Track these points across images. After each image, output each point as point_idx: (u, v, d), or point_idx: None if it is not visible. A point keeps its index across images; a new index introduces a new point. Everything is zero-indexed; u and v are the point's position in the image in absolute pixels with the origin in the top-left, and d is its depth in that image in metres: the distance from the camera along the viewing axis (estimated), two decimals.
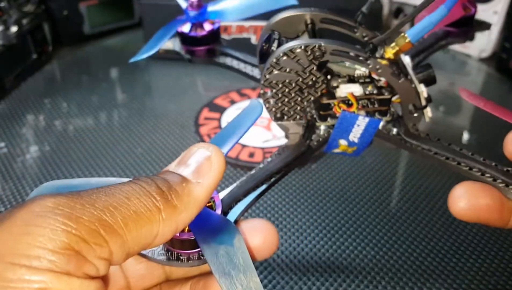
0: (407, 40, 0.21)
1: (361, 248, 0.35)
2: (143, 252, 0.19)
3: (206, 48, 0.29)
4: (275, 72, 0.21)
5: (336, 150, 0.23)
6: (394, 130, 0.23)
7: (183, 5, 0.28)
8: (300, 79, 0.21)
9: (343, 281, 0.32)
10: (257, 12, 0.28)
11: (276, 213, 0.38)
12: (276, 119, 0.23)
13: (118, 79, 0.58)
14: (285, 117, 0.23)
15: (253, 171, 0.22)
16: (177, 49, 0.29)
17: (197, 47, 0.29)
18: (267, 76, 0.21)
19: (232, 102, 0.51)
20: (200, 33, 0.28)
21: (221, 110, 0.50)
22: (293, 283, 0.32)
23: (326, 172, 0.42)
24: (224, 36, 0.58)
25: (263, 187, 0.21)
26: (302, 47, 0.20)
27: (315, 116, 0.23)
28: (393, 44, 0.21)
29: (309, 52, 0.21)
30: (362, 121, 0.21)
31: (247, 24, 0.57)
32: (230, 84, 0.55)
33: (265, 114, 0.54)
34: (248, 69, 0.28)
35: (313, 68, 0.21)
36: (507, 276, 0.32)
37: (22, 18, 0.54)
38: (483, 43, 0.59)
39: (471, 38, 0.32)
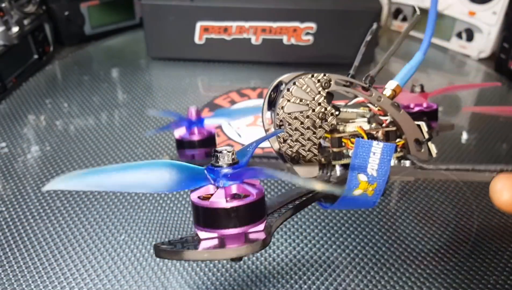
0: (396, 85, 0.23)
1: (361, 247, 0.35)
2: (173, 250, 0.17)
3: (206, 151, 0.32)
4: (288, 104, 0.23)
5: (356, 192, 0.23)
6: (407, 162, 0.24)
7: (175, 119, 0.32)
8: (311, 110, 0.23)
9: (343, 281, 0.32)
10: (245, 116, 0.34)
11: None
12: (293, 162, 0.24)
13: (119, 79, 0.58)
14: (301, 157, 0.24)
15: (283, 193, 0.24)
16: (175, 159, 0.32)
17: (197, 150, 0.32)
18: (281, 111, 0.23)
19: (232, 102, 0.52)
20: (199, 138, 0.31)
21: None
22: (293, 282, 0.32)
23: None
24: (225, 36, 0.58)
25: (289, 206, 0.21)
26: (310, 76, 0.22)
27: (330, 156, 0.24)
28: (385, 89, 0.23)
29: (316, 81, 0.22)
30: (377, 148, 0.22)
31: (247, 24, 0.57)
32: (230, 84, 0.56)
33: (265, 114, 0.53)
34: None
35: (322, 99, 0.23)
36: (506, 276, 0.33)
37: (23, 19, 0.54)
38: (482, 44, 0.59)
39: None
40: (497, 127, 0.48)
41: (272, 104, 0.24)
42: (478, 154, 0.44)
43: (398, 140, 0.23)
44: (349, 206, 0.24)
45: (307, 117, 0.23)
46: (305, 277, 0.33)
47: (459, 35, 0.61)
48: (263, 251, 0.34)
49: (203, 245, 0.16)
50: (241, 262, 0.34)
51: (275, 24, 0.57)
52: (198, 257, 0.17)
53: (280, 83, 0.25)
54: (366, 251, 0.34)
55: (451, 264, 0.33)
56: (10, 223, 0.37)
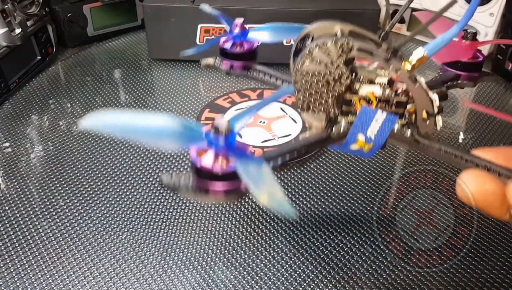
0: (424, 54, 0.23)
1: (359, 245, 0.35)
2: (172, 185, 0.22)
3: (243, 63, 0.33)
4: (307, 62, 0.24)
5: (353, 146, 0.25)
6: (408, 132, 0.25)
7: (227, 27, 0.33)
8: (328, 72, 0.24)
9: (341, 278, 0.33)
10: (286, 38, 0.32)
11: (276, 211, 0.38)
12: (302, 110, 0.25)
13: (121, 80, 0.58)
14: (311, 108, 0.25)
15: (279, 147, 0.25)
16: (217, 64, 0.34)
17: (235, 62, 0.33)
18: (300, 66, 0.24)
19: (233, 102, 0.52)
20: (239, 50, 0.33)
21: (221, 110, 0.51)
22: (292, 279, 0.33)
23: (325, 171, 0.43)
24: None
25: (286, 159, 0.24)
26: (333, 41, 0.23)
27: (337, 111, 0.25)
28: (411, 57, 0.23)
29: (338, 47, 0.23)
30: (380, 116, 0.23)
31: (247, 26, 0.58)
32: (231, 85, 0.56)
33: (265, 114, 0.54)
34: (278, 82, 0.33)
35: (340, 63, 0.23)
36: (504, 274, 0.33)
37: (26, 20, 0.55)
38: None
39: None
40: (494, 127, 0.48)
41: (297, 52, 0.25)
42: None
43: (409, 106, 0.24)
44: (347, 152, 0.26)
45: (324, 76, 0.24)
46: (304, 275, 0.33)
47: None
48: (263, 252, 0.35)
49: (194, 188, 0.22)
50: (241, 259, 0.34)
51: None
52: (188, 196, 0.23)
53: (307, 35, 0.25)
54: (365, 249, 0.35)
55: (449, 263, 0.34)
56: (14, 222, 0.37)
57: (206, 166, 0.21)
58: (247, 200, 0.39)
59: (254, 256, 0.34)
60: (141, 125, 0.21)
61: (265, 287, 0.32)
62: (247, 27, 0.34)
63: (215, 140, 0.20)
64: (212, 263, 0.34)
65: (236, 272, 0.33)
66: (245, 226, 0.37)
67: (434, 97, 0.23)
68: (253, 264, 0.34)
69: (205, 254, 0.34)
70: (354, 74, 0.24)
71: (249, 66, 0.33)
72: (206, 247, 0.35)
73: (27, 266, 0.33)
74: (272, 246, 0.35)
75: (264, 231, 0.36)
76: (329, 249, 0.35)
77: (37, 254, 0.34)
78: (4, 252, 0.34)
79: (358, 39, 0.24)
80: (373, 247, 0.35)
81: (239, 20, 0.33)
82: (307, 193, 0.40)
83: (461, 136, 0.48)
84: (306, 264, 0.34)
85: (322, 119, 0.25)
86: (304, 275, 0.33)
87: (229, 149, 0.20)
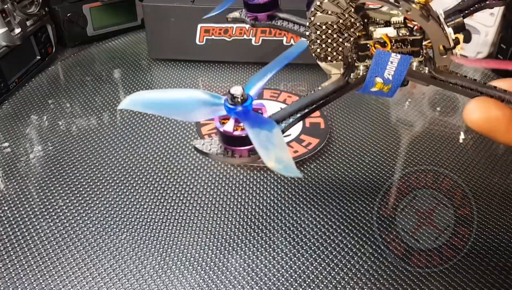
0: None
1: (360, 245, 0.35)
2: (204, 150, 0.24)
3: (267, 13, 0.34)
4: (318, 14, 0.24)
5: (373, 89, 0.25)
6: (426, 69, 0.25)
7: None
8: (340, 21, 0.24)
9: (342, 279, 0.33)
10: None
11: (276, 211, 0.38)
12: (320, 60, 0.26)
13: (120, 80, 0.58)
14: (328, 58, 0.26)
15: (299, 99, 0.26)
16: (243, 17, 0.35)
17: (260, 13, 0.34)
18: (312, 19, 0.24)
19: None
20: (261, 0, 0.33)
21: None
22: (293, 280, 0.33)
23: (325, 171, 0.42)
24: (225, 38, 0.58)
25: (305, 111, 0.26)
26: None
27: (355, 57, 0.25)
28: None
29: None
30: (394, 58, 0.24)
31: (247, 26, 0.58)
32: (230, 85, 0.56)
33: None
34: (302, 29, 0.33)
35: (351, 11, 0.24)
36: (505, 275, 0.33)
37: (26, 20, 0.55)
38: (479, 45, 0.60)
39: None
40: None
41: (310, 4, 0.26)
42: (475, 153, 0.45)
43: (427, 41, 0.25)
44: (369, 94, 0.27)
45: (336, 25, 0.24)
46: (304, 275, 0.33)
47: None
48: (263, 252, 0.35)
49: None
50: (240, 259, 0.34)
51: None
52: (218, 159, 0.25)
53: None
54: (365, 249, 0.35)
55: (450, 263, 0.34)
56: (13, 222, 0.37)
57: (227, 132, 0.23)
58: (247, 200, 0.39)
59: (254, 256, 0.34)
60: (171, 100, 0.23)
61: (265, 287, 0.32)
62: None
63: (232, 108, 0.22)
64: (212, 263, 0.34)
65: (236, 272, 0.33)
66: (245, 226, 0.37)
67: (450, 31, 0.24)
68: (253, 264, 0.34)
69: (205, 254, 0.34)
70: (366, 19, 0.25)
71: (272, 15, 0.34)
72: (206, 247, 0.35)
73: (26, 267, 0.33)
74: (272, 246, 0.35)
75: (264, 231, 0.36)
76: (329, 249, 0.35)
77: (37, 255, 0.34)
78: (4, 253, 0.34)
79: None
80: (373, 247, 0.35)
81: None
82: (307, 193, 0.40)
83: (462, 136, 0.48)
84: (306, 264, 0.34)
85: (341, 66, 0.26)
86: (304, 275, 0.33)
87: (243, 116, 0.22)
